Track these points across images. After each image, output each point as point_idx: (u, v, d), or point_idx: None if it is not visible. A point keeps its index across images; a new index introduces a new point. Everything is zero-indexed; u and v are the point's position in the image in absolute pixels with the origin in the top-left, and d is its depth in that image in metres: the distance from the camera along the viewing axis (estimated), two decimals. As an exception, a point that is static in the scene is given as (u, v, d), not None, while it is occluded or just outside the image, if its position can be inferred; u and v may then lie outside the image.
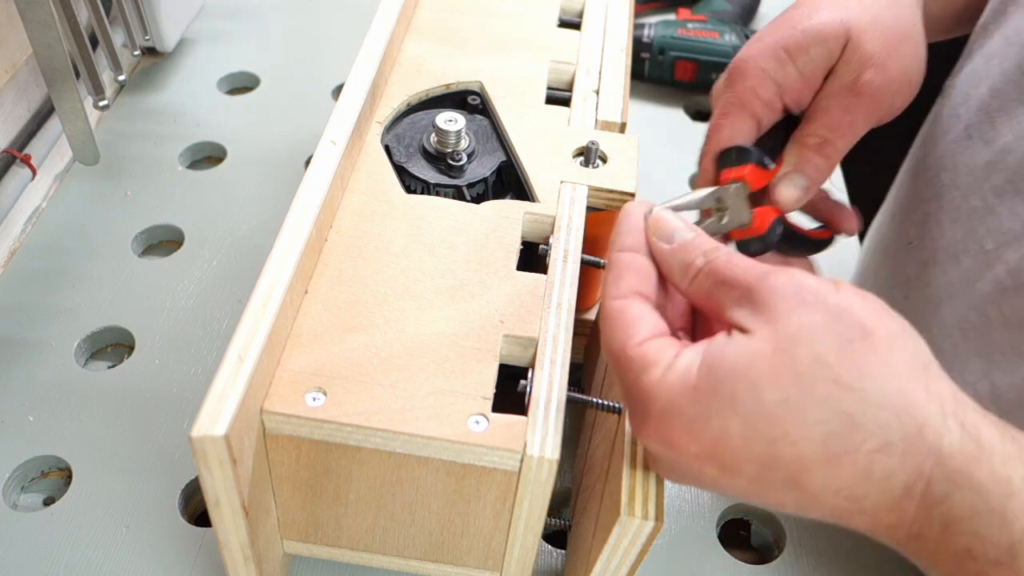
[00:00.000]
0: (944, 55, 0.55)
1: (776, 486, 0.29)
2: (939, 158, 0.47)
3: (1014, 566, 0.26)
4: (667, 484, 0.36)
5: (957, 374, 0.42)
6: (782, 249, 0.46)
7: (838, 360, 0.28)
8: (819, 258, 0.47)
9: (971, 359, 0.42)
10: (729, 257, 0.32)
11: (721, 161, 0.44)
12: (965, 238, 0.43)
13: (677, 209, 0.39)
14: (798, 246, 0.46)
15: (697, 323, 0.35)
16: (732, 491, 0.30)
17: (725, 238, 0.44)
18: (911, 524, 0.28)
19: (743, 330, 0.30)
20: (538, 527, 0.40)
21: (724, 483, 0.30)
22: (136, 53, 0.71)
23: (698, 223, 0.42)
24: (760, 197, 0.44)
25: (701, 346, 0.31)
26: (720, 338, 0.30)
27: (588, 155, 0.49)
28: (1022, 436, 0.28)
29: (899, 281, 0.48)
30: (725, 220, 0.43)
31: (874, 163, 0.58)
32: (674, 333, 0.33)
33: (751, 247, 0.43)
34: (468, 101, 0.53)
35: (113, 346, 0.59)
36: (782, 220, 0.43)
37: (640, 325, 0.32)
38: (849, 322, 0.29)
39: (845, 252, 0.64)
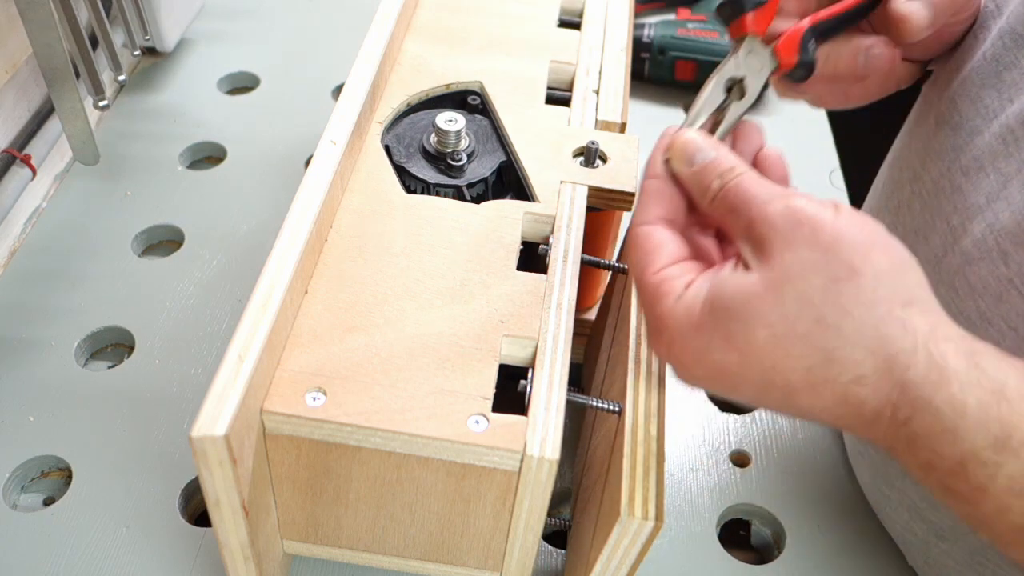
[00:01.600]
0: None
1: (773, 402, 0.33)
2: (912, 148, 0.49)
3: (965, 475, 0.30)
4: (667, 484, 0.37)
5: None
6: (838, 39, 0.43)
7: (822, 299, 0.31)
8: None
9: None
10: (740, 181, 0.34)
11: (723, 21, 0.42)
12: (933, 217, 0.45)
13: (698, 123, 0.39)
14: (846, 25, 0.43)
15: (725, 237, 0.38)
16: (737, 400, 0.34)
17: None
18: (884, 440, 0.32)
19: (744, 264, 0.33)
20: (538, 527, 0.40)
21: (729, 395, 0.34)
22: (136, 53, 0.71)
23: (723, 106, 0.40)
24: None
25: (709, 276, 0.34)
26: (725, 271, 0.33)
27: (588, 155, 0.49)
28: (990, 361, 0.31)
29: None
30: (746, 95, 0.40)
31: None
32: (703, 253, 0.36)
33: (795, 77, 0.41)
34: (468, 101, 0.53)
35: (113, 346, 0.59)
36: (812, 31, 0.41)
37: (659, 253, 0.35)
38: (837, 261, 0.31)
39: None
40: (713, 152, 0.35)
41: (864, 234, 0.32)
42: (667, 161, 0.36)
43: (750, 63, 0.41)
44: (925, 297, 0.32)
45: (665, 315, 0.34)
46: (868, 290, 0.31)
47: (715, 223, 0.37)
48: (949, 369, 0.30)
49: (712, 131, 0.39)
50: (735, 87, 0.40)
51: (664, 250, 0.35)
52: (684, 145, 0.36)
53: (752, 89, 0.40)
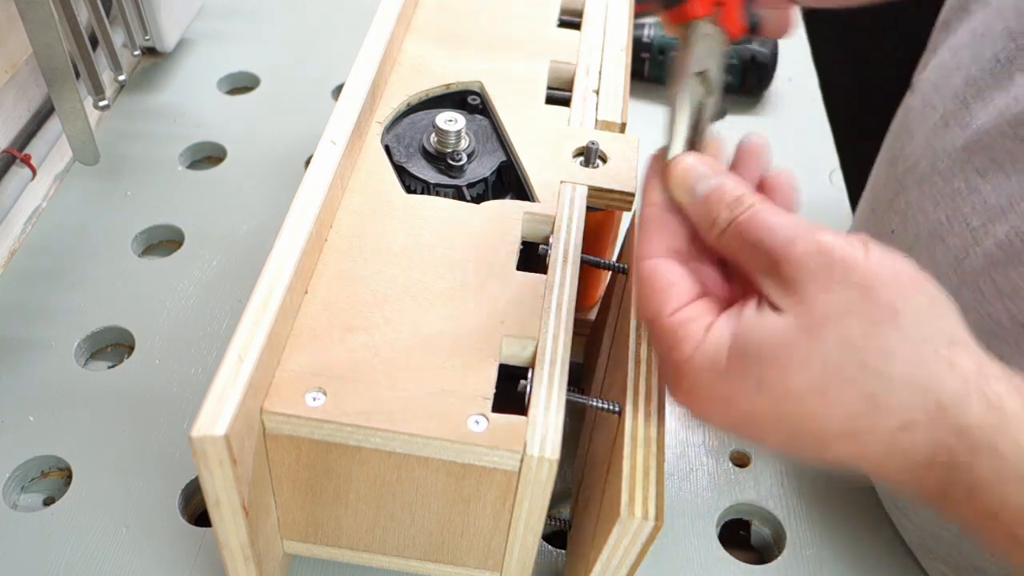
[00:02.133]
0: (907, 55, 0.56)
1: (803, 449, 0.31)
2: (916, 148, 0.48)
3: None
4: (667, 484, 0.37)
5: None
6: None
7: (864, 343, 0.29)
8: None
9: (975, 331, 0.43)
10: (752, 215, 0.32)
11: (663, 6, 0.38)
12: (950, 219, 0.44)
13: (681, 139, 0.36)
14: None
15: (732, 270, 0.35)
16: (760, 446, 0.33)
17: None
18: (935, 489, 0.30)
19: (773, 306, 0.31)
20: (538, 527, 0.40)
21: (754, 441, 0.32)
22: (136, 53, 0.71)
23: (698, 107, 0.37)
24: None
25: (733, 317, 0.32)
26: (749, 312, 0.31)
27: (588, 155, 0.49)
28: None
29: None
30: (713, 86, 0.38)
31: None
32: (708, 284, 0.34)
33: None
34: (468, 101, 0.53)
35: (113, 346, 0.59)
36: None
37: (672, 292, 0.33)
38: (876, 302, 0.29)
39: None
40: (716, 180, 0.33)
41: (899, 273, 0.30)
42: (666, 189, 0.35)
43: (707, 50, 0.38)
44: (965, 336, 0.31)
45: (686, 362, 0.32)
46: (911, 331, 0.29)
47: (722, 254, 0.34)
48: (1008, 411, 0.29)
49: (694, 137, 0.37)
50: (703, 82, 0.38)
51: (676, 289, 0.33)
52: (684, 174, 0.34)
53: (716, 79, 0.38)
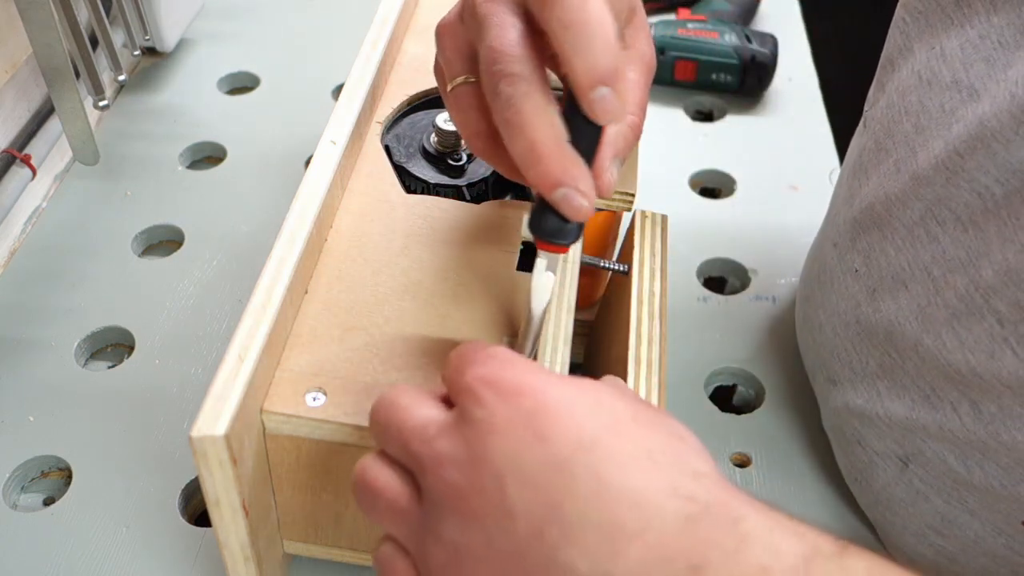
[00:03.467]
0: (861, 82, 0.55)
1: None
2: (872, 190, 0.47)
3: None
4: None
5: (928, 397, 0.43)
6: None
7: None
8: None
9: (939, 379, 0.43)
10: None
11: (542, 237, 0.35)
12: (911, 266, 0.44)
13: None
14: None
15: None
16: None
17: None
18: None
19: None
20: (538, 527, 0.40)
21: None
22: (136, 53, 0.71)
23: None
24: None
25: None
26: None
27: (588, 155, 0.49)
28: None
29: (850, 306, 0.49)
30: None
31: None
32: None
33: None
34: (468, 101, 0.53)
35: (113, 346, 0.59)
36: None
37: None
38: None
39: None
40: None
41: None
42: None
43: (554, 270, 0.37)
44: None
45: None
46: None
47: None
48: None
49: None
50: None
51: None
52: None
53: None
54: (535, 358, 0.39)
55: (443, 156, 0.49)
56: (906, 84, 0.45)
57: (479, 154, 0.36)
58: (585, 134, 0.33)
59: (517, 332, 0.40)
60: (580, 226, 0.34)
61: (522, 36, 0.32)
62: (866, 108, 0.51)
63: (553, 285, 0.37)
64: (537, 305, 0.37)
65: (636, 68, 0.37)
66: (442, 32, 0.37)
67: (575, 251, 0.44)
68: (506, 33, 0.32)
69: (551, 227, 0.34)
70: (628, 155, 0.36)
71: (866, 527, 0.52)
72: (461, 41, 0.36)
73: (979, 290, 0.39)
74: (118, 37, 0.73)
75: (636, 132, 0.36)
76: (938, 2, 0.43)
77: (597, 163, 0.34)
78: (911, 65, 0.45)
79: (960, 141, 0.40)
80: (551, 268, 0.37)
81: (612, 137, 0.35)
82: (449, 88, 0.36)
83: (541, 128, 0.31)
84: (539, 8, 0.31)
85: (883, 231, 0.45)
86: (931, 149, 0.42)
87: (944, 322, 0.41)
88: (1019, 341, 0.38)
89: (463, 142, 0.49)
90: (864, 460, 0.49)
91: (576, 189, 0.32)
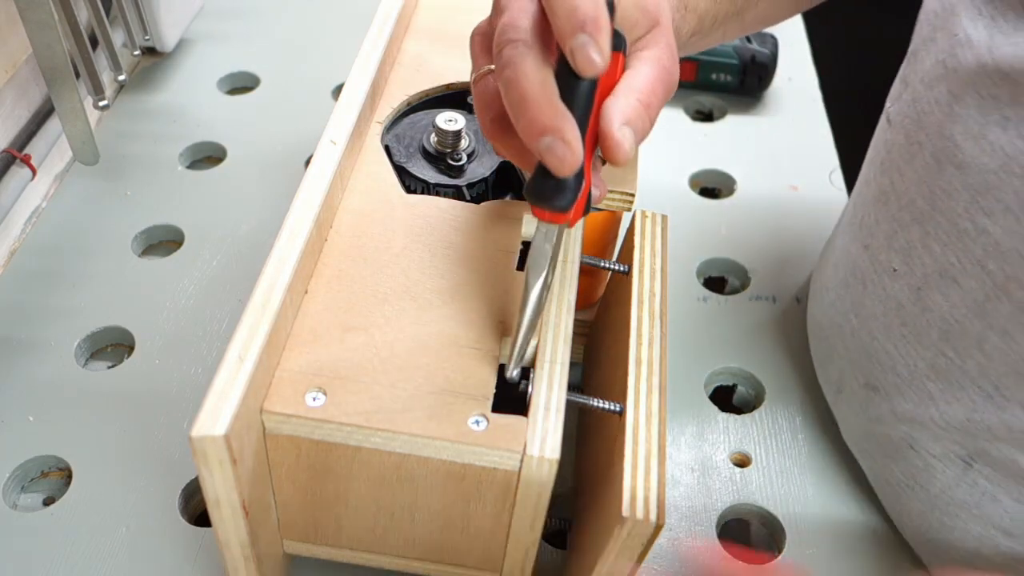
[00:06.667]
0: (880, 76, 0.55)
1: None
2: (910, 186, 0.46)
3: None
4: (667, 484, 0.36)
5: (991, 396, 0.42)
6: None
7: None
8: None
9: (1006, 377, 0.42)
10: None
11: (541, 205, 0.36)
12: (961, 261, 0.43)
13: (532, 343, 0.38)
14: None
15: None
16: None
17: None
18: None
19: None
20: (538, 527, 0.40)
21: None
22: (136, 53, 0.71)
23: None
24: None
25: None
26: None
27: (588, 155, 0.49)
28: None
29: (890, 308, 0.47)
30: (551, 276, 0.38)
31: None
32: None
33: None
34: (468, 101, 0.53)
35: (113, 346, 0.59)
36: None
37: None
38: None
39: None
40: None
41: None
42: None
43: (551, 244, 0.37)
44: None
45: None
46: None
47: None
48: None
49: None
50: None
51: None
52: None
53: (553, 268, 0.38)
54: (535, 356, 0.39)
55: (443, 156, 0.49)
56: (932, 75, 0.45)
57: (492, 139, 0.38)
58: (576, 93, 0.34)
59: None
60: (575, 192, 0.34)
61: (532, 16, 0.34)
62: (888, 104, 0.51)
63: (551, 259, 0.37)
64: (533, 278, 0.37)
65: (648, 65, 0.38)
66: (474, 33, 0.40)
67: (575, 251, 0.44)
68: (518, 13, 0.35)
69: (544, 189, 0.34)
70: (643, 134, 0.37)
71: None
72: (488, 39, 0.38)
73: None
74: (118, 37, 0.73)
75: (648, 111, 0.37)
76: None
77: (605, 128, 0.35)
78: (933, 55, 0.45)
79: (1016, 127, 0.39)
80: (548, 240, 0.37)
81: (619, 105, 0.36)
82: (473, 77, 0.39)
83: (533, 83, 0.33)
84: None
85: (924, 226, 0.44)
86: (974, 138, 0.41)
87: (1010, 316, 0.40)
88: None
89: (462, 142, 0.49)
90: (919, 464, 0.47)
91: (562, 139, 0.32)
